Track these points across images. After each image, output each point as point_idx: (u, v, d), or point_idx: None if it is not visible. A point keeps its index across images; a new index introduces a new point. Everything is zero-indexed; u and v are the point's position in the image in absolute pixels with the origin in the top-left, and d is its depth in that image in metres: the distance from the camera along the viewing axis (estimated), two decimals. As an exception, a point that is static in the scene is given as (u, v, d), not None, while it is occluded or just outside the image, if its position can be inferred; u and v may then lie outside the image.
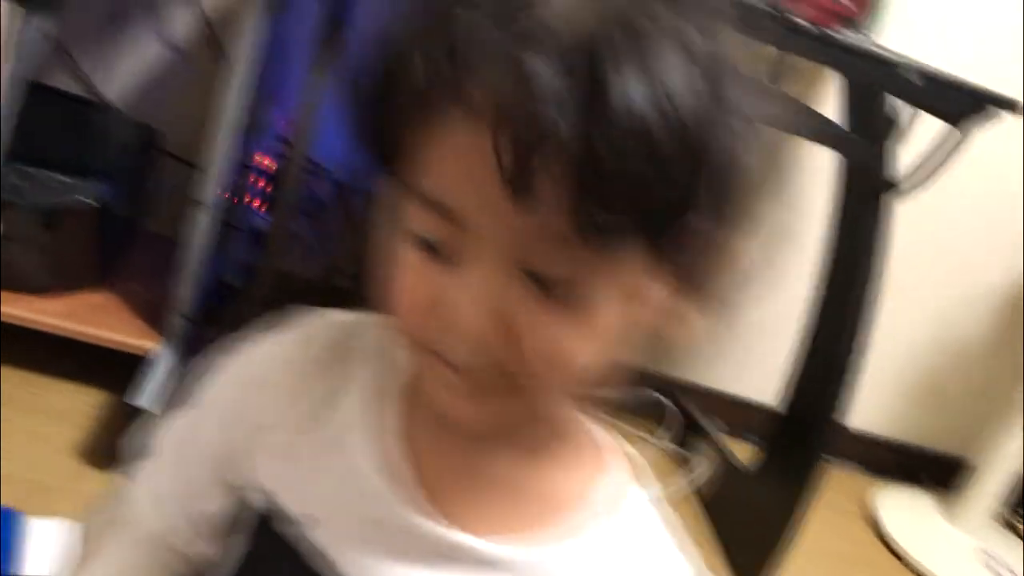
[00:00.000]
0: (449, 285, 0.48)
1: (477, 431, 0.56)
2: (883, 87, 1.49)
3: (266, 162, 1.78)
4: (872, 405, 2.11)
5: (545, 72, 0.43)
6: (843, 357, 1.58)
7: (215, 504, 0.64)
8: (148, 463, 0.68)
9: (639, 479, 0.60)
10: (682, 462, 1.94)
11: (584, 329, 0.49)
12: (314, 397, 0.60)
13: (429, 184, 0.48)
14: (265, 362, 0.62)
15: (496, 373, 0.50)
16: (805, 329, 1.70)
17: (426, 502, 0.56)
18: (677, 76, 0.44)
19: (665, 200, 0.44)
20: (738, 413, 2.08)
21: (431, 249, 0.49)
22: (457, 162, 0.46)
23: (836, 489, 1.91)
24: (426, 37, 0.46)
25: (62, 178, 1.46)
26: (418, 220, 0.49)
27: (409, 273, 0.50)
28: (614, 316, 0.49)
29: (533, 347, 0.49)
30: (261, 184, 1.78)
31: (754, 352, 2.00)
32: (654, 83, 0.43)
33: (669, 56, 0.44)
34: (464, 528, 0.56)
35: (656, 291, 0.50)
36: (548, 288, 0.47)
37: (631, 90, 0.43)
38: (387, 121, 0.48)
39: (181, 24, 1.81)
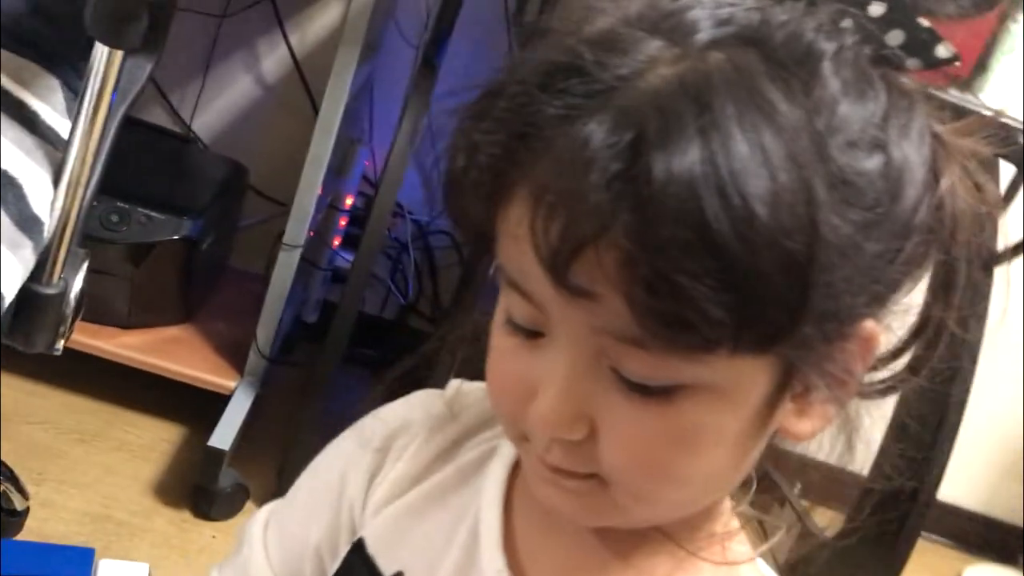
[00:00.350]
0: (534, 371, 0.45)
1: (578, 523, 0.51)
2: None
3: (351, 202, 1.77)
4: (964, 478, 2.01)
5: (585, 148, 0.38)
6: (937, 427, 1.51)
7: (312, 567, 0.61)
8: (261, 524, 0.65)
9: None
10: (759, 528, 1.87)
11: (679, 436, 0.43)
12: (431, 453, 0.58)
13: (506, 264, 0.44)
14: (385, 421, 0.60)
15: (586, 475, 0.45)
16: (900, 397, 1.63)
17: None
18: (747, 151, 0.37)
19: (738, 295, 0.38)
20: (821, 478, 2.01)
21: (522, 332, 0.45)
22: (519, 244, 0.42)
23: (923, 564, 1.82)
24: (497, 112, 0.42)
25: (151, 213, 1.47)
26: (508, 301, 0.45)
27: (503, 357, 0.47)
28: (715, 421, 0.43)
29: (618, 449, 0.44)
30: (344, 224, 1.78)
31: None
32: (713, 159, 0.37)
33: (744, 129, 0.38)
34: None
35: (762, 389, 0.43)
36: (635, 388, 0.42)
37: (678, 168, 0.37)
38: (468, 201, 0.45)
39: (272, 63, 1.82)
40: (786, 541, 1.88)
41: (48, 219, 0.80)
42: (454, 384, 0.61)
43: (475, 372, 0.59)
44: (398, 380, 0.63)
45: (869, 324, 0.43)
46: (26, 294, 0.83)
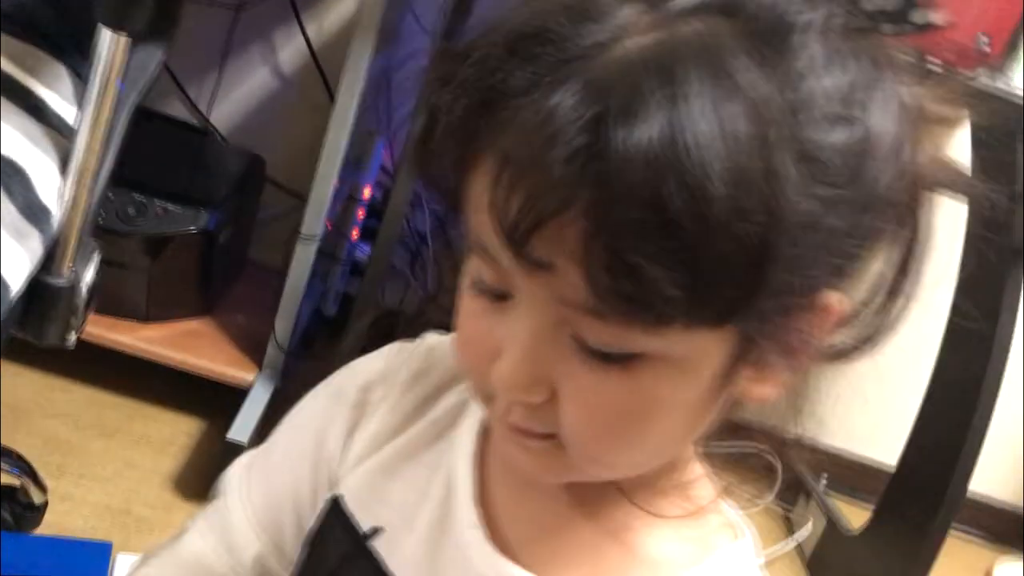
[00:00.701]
0: (499, 333, 0.45)
1: (546, 483, 0.52)
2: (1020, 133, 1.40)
3: (369, 194, 1.76)
4: (996, 470, 1.98)
5: (551, 121, 0.38)
6: (968, 420, 1.48)
7: (290, 527, 0.62)
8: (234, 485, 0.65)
9: (736, 549, 0.53)
10: (786, 522, 1.85)
11: (636, 403, 0.44)
12: (406, 408, 0.59)
13: (472, 229, 0.44)
14: (360, 375, 0.61)
15: (545, 435, 0.46)
16: (929, 388, 1.60)
17: (488, 533, 0.53)
18: (708, 129, 0.37)
19: (694, 274, 0.38)
20: (850, 472, 1.98)
21: (488, 294, 0.45)
22: (481, 213, 0.42)
23: (954, 557, 1.78)
24: (463, 76, 0.42)
25: (169, 206, 1.46)
26: (475, 264, 0.46)
27: (470, 318, 0.47)
28: (672, 391, 0.44)
29: (576, 414, 0.44)
30: (362, 216, 1.77)
31: (871, 410, 1.89)
32: (673, 137, 0.37)
33: (708, 106, 0.37)
34: (527, 567, 0.52)
35: (718, 359, 0.43)
36: (594, 355, 0.43)
37: (637, 146, 0.37)
38: (434, 164, 0.45)
39: (289, 54, 1.81)
40: (813, 535, 1.85)
41: (57, 209, 0.79)
42: (426, 337, 0.62)
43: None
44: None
45: (828, 294, 0.43)
46: (37, 286, 0.82)
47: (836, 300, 0.44)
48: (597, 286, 0.39)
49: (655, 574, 0.51)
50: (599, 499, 0.52)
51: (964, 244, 1.55)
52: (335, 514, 0.58)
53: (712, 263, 0.38)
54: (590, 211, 0.38)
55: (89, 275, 0.88)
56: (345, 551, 0.57)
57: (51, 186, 0.77)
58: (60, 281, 0.84)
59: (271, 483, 0.63)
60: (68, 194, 0.81)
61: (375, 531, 0.56)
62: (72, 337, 0.89)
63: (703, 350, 0.43)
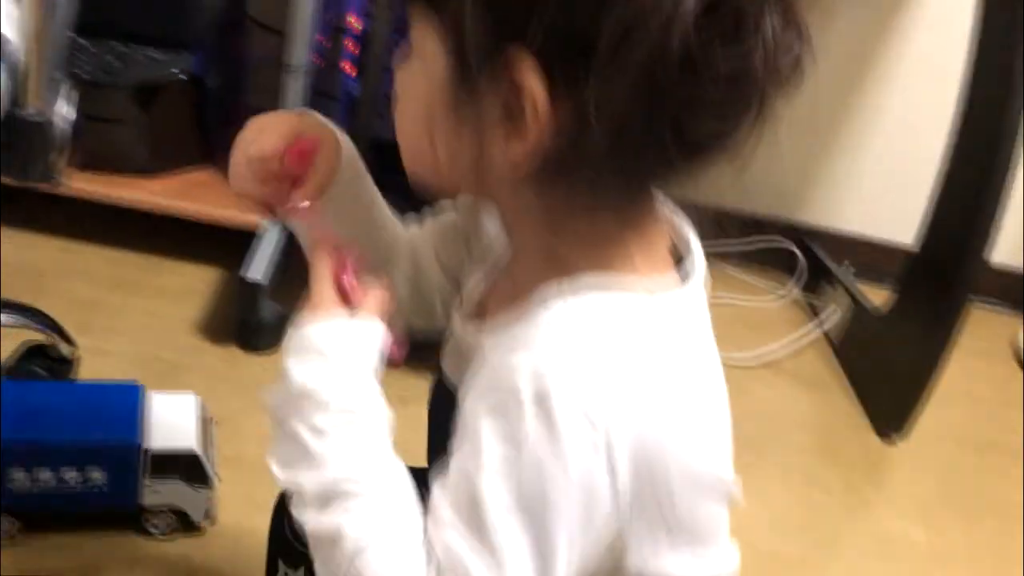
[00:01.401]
0: None
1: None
2: None
3: (356, 23, 1.71)
4: (1018, 239, 1.96)
5: None
6: (986, 187, 1.45)
7: None
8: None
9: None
10: (813, 310, 1.85)
11: (400, 84, 0.55)
12: None
13: None
14: None
15: None
16: (945, 160, 1.57)
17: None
18: None
19: None
20: (872, 255, 1.97)
21: None
22: None
23: (979, 329, 1.78)
24: None
25: (151, 52, 1.44)
26: None
27: None
28: (413, 80, 0.54)
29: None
30: (353, 48, 1.73)
31: (887, 189, 1.87)
32: None
33: None
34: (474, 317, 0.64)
35: (440, 61, 0.51)
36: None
37: None
38: None
39: None
40: (842, 321, 1.84)
41: (13, 34, 0.77)
42: None
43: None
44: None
45: (521, 59, 0.48)
46: (10, 121, 0.82)
47: (526, 66, 0.47)
48: None
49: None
50: (522, 265, 0.60)
51: (976, 7, 1.49)
52: None
53: None
54: None
55: (63, 109, 0.87)
56: None
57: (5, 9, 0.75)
58: (32, 115, 0.83)
59: None
60: (28, 25, 0.80)
61: None
62: (56, 175, 0.89)
63: (428, 44, 0.51)
